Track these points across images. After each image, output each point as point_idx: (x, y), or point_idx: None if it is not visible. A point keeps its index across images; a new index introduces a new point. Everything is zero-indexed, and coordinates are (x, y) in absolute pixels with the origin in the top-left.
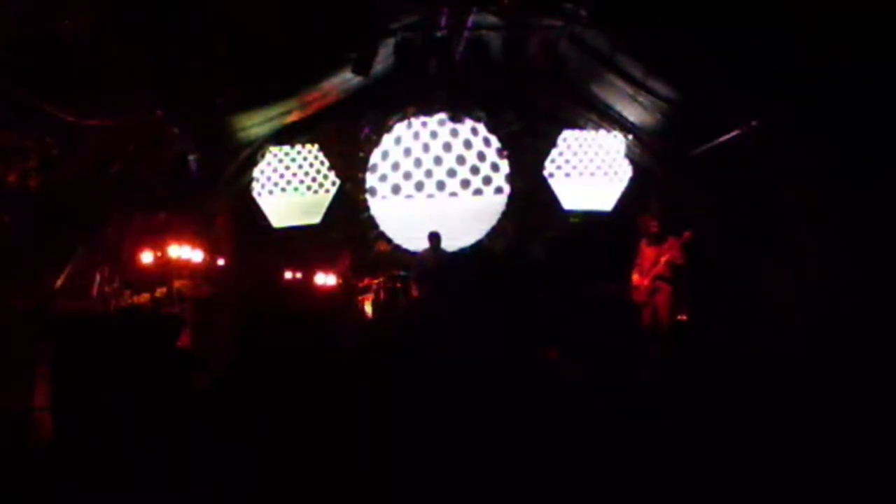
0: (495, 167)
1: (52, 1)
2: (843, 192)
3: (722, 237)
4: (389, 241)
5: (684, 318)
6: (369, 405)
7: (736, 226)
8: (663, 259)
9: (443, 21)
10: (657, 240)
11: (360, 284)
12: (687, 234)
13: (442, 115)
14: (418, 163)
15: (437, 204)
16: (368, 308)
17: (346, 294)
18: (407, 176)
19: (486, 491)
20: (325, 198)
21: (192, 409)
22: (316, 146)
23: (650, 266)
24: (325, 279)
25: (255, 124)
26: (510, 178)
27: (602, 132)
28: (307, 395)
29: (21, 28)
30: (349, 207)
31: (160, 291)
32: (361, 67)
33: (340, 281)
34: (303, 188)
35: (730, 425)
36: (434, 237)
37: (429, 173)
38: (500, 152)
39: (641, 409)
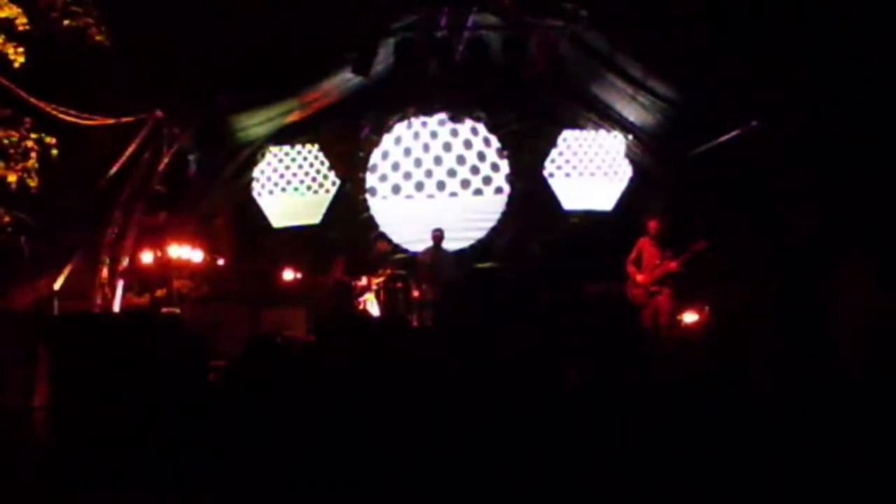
0: (495, 167)
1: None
2: (843, 192)
3: (721, 237)
4: (389, 241)
5: (683, 319)
6: (371, 404)
7: (736, 225)
8: (672, 266)
9: (443, 21)
10: (659, 241)
11: (361, 284)
12: (702, 243)
13: (442, 116)
14: (418, 163)
15: (437, 204)
16: (372, 308)
17: (345, 295)
18: (407, 176)
19: (485, 493)
20: (325, 198)
21: (193, 409)
22: (316, 146)
23: (652, 267)
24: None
25: (255, 124)
26: (510, 178)
27: (602, 132)
28: (309, 395)
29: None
30: (349, 207)
31: (160, 291)
32: (361, 67)
33: (335, 284)
34: (303, 188)
35: (734, 428)
36: (437, 234)
37: (429, 173)
38: (500, 152)
39: (642, 412)
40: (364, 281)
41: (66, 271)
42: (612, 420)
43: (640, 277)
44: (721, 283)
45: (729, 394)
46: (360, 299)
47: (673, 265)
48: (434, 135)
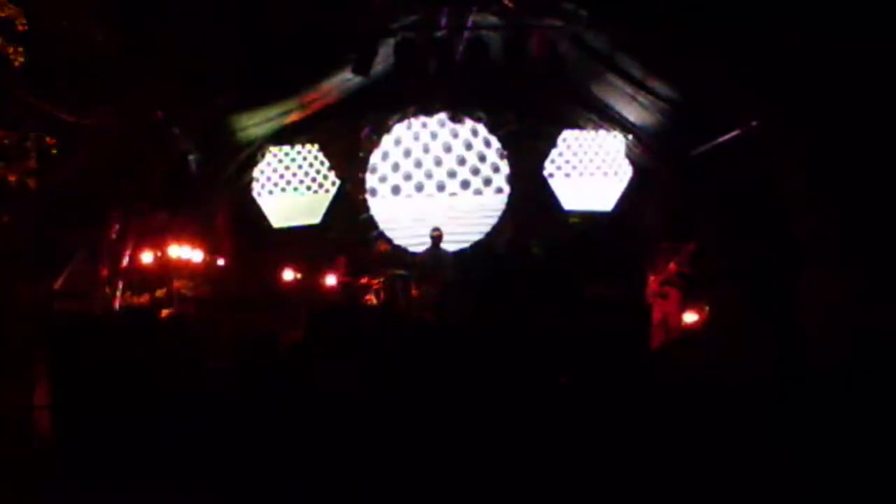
0: (496, 168)
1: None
2: (843, 192)
3: (722, 237)
4: (389, 241)
5: (691, 320)
6: (369, 402)
7: (736, 225)
8: (672, 268)
9: (443, 21)
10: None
11: (361, 284)
12: (691, 245)
13: (442, 116)
14: (418, 163)
15: (437, 204)
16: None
17: (347, 296)
18: (407, 176)
19: (481, 491)
20: (325, 198)
21: (193, 409)
22: (316, 146)
23: (662, 269)
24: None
25: (255, 124)
26: (510, 179)
27: (602, 132)
28: (311, 396)
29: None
30: (349, 207)
31: (160, 291)
32: (361, 67)
33: (338, 284)
34: (303, 188)
35: (736, 431)
36: (436, 233)
37: (429, 174)
38: (500, 152)
39: (643, 412)
40: (365, 281)
41: (66, 271)
42: (609, 419)
43: (651, 280)
44: (721, 282)
45: (722, 393)
46: (364, 299)
47: (672, 267)
48: (434, 135)
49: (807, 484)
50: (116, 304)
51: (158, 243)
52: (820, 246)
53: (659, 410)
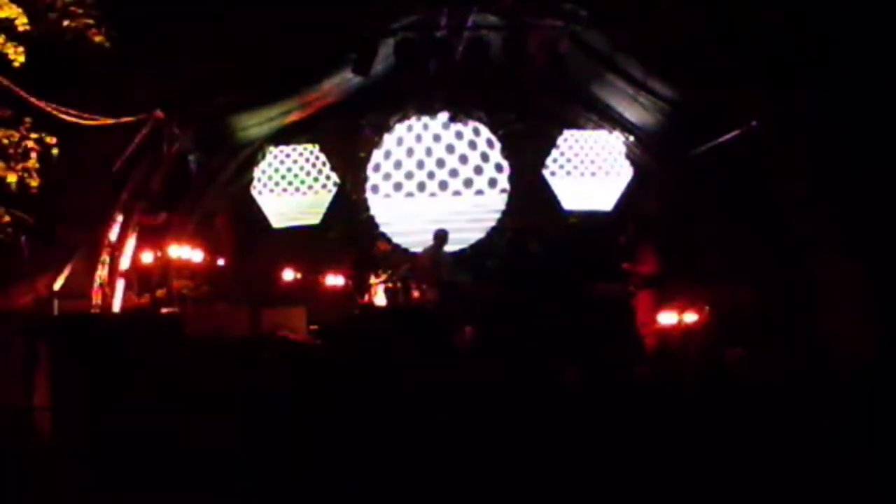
0: (488, 166)
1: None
2: (843, 191)
3: (721, 236)
4: (389, 241)
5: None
6: (370, 403)
7: (735, 225)
8: (626, 266)
9: (443, 21)
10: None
11: (365, 283)
12: (621, 241)
13: (443, 116)
14: (420, 164)
15: (436, 204)
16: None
17: (353, 293)
18: (408, 175)
19: (486, 490)
20: (325, 198)
21: (192, 408)
22: (316, 146)
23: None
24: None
25: (255, 124)
26: (510, 178)
27: (602, 132)
28: (312, 398)
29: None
30: (349, 207)
31: (160, 291)
32: (361, 67)
33: (345, 282)
34: (303, 187)
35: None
36: (441, 234)
37: (425, 169)
38: (490, 150)
39: (639, 411)
40: (367, 282)
41: (66, 271)
42: (610, 418)
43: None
44: (720, 282)
45: (722, 392)
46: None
47: (626, 267)
48: (428, 131)
49: (825, 483)
50: (116, 304)
51: (158, 243)
52: (819, 246)
53: (658, 410)
